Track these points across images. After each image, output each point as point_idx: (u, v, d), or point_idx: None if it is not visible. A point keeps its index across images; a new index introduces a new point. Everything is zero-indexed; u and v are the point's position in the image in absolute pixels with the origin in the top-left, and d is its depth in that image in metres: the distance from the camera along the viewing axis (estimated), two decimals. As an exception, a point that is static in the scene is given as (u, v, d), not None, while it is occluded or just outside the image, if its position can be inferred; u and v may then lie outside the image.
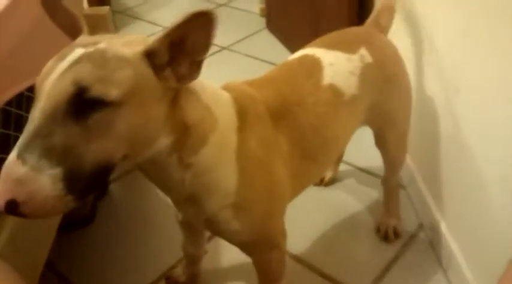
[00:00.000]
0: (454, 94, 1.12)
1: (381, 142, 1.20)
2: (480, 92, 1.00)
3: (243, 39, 2.51)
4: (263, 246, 0.92)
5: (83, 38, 0.67)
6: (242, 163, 0.79)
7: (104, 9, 1.47)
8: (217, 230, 0.88)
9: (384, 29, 1.14)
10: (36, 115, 0.57)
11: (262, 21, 2.64)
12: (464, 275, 1.10)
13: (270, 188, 0.85)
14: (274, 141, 0.85)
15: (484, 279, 1.04)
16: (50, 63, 0.61)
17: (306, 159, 0.92)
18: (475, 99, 1.03)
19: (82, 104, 0.57)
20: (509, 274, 0.74)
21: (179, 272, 1.24)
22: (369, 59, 1.02)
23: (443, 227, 1.23)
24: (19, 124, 0.93)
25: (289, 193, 0.92)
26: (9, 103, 0.94)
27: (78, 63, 0.59)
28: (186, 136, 0.70)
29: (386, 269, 1.25)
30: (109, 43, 0.62)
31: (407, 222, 1.37)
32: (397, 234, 1.33)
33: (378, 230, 1.35)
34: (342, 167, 1.58)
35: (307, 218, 1.40)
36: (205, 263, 1.26)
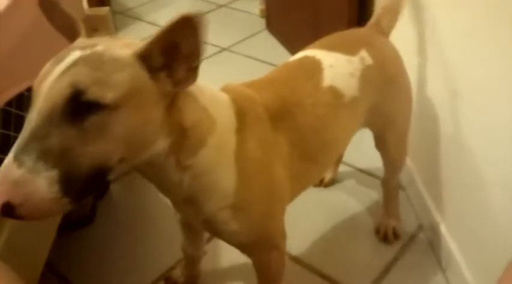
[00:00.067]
0: (454, 95, 1.12)
1: (381, 144, 1.20)
2: (481, 93, 1.00)
3: (243, 40, 2.51)
4: (262, 247, 0.92)
5: (81, 40, 0.67)
6: (241, 165, 0.79)
7: (104, 10, 1.47)
8: (216, 231, 0.88)
9: (385, 31, 1.14)
10: (33, 118, 0.58)
11: (262, 23, 2.64)
12: (464, 276, 1.10)
13: (269, 189, 0.85)
14: (273, 142, 0.85)
15: (484, 280, 1.04)
16: (47, 66, 0.61)
17: (305, 160, 0.92)
18: (475, 100, 1.03)
19: (78, 107, 0.57)
20: (508, 275, 0.74)
21: (178, 273, 1.24)
22: (369, 60, 1.02)
23: (443, 228, 1.23)
24: (19, 124, 0.93)
25: (288, 194, 0.92)
26: (9, 103, 0.94)
27: (75, 66, 0.59)
28: (184, 138, 0.70)
29: (386, 270, 1.25)
30: (106, 45, 0.63)
31: (407, 223, 1.37)
32: (396, 235, 1.33)
33: (377, 231, 1.35)
34: (342, 168, 1.58)
35: (307, 219, 1.40)
36: (205, 264, 1.26)
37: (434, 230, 1.27)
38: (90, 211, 1.46)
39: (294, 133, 0.89)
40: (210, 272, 1.27)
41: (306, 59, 1.01)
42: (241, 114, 0.80)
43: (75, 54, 0.60)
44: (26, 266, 0.96)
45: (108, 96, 0.58)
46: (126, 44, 0.64)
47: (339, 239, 1.36)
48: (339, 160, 1.55)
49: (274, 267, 0.98)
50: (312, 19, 2.03)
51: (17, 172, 0.55)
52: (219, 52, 2.40)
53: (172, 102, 0.67)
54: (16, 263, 0.78)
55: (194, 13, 0.58)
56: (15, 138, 0.58)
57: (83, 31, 0.69)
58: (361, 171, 1.60)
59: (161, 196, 0.83)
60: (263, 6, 2.64)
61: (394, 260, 1.28)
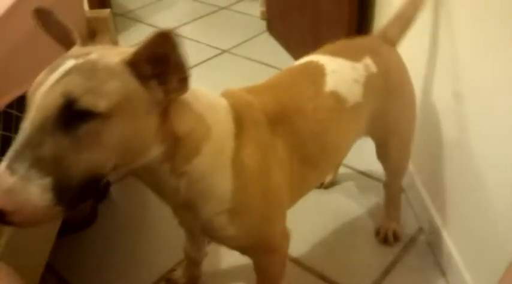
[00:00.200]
0: (456, 99, 1.12)
1: (382, 152, 1.20)
2: (483, 96, 1.00)
3: (244, 42, 2.52)
4: (261, 249, 0.92)
5: (76, 49, 0.68)
6: (238, 170, 0.79)
7: (105, 12, 1.47)
8: (214, 236, 0.88)
9: (392, 40, 1.14)
10: (26, 127, 0.58)
11: (262, 25, 2.65)
12: (464, 278, 1.10)
13: (266, 194, 0.85)
14: (271, 147, 0.85)
15: (484, 283, 1.04)
16: (41, 75, 0.62)
17: (305, 164, 0.92)
18: (477, 102, 1.03)
19: (71, 115, 0.58)
20: (509, 276, 0.74)
21: (179, 274, 1.24)
22: (373, 68, 1.02)
23: (443, 230, 1.23)
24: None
25: (287, 199, 0.92)
26: (10, 105, 0.94)
27: (68, 75, 0.59)
28: (177, 147, 0.70)
29: (386, 272, 1.25)
30: (100, 54, 0.63)
31: (407, 225, 1.37)
32: (396, 237, 1.33)
33: (377, 233, 1.35)
34: (342, 170, 1.59)
35: (307, 221, 1.40)
36: (206, 266, 1.26)
37: (434, 232, 1.27)
38: (90, 213, 1.46)
39: (293, 137, 0.89)
40: (210, 273, 1.27)
41: (309, 64, 1.01)
42: (240, 120, 0.80)
43: (68, 63, 0.61)
44: (27, 267, 0.97)
45: (100, 104, 0.58)
46: (120, 53, 0.64)
47: (339, 241, 1.36)
48: (339, 163, 1.55)
49: (273, 269, 0.98)
50: (313, 21, 2.03)
51: (10, 180, 0.55)
52: (220, 54, 2.40)
53: (166, 111, 0.67)
54: (17, 265, 0.78)
55: (166, 30, 0.58)
56: (16, 140, 0.59)
57: (78, 40, 0.69)
58: (361, 173, 1.60)
59: (161, 198, 0.83)
60: (264, 9, 2.65)
61: (394, 262, 1.28)
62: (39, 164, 0.56)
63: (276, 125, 0.86)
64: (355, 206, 1.47)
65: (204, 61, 2.34)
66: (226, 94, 0.85)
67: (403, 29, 1.16)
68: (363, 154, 1.45)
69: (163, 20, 2.82)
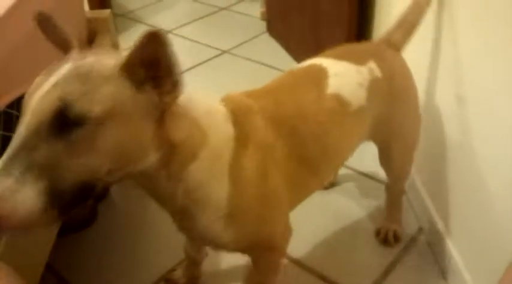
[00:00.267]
0: (458, 101, 1.12)
1: (386, 156, 1.20)
2: (485, 97, 1.00)
3: (244, 42, 2.52)
4: (261, 248, 0.92)
5: (73, 54, 0.68)
6: (235, 175, 0.78)
7: (105, 13, 1.47)
8: (213, 243, 0.88)
9: (397, 45, 1.14)
10: (21, 131, 0.58)
11: (262, 25, 2.65)
12: (464, 278, 1.10)
13: (264, 196, 0.84)
14: (270, 149, 0.85)
15: (484, 283, 1.04)
16: (38, 79, 0.62)
17: (306, 167, 0.92)
18: (479, 104, 1.03)
19: (66, 120, 0.58)
20: (509, 276, 0.75)
21: (179, 274, 1.24)
22: (378, 73, 1.02)
23: (443, 230, 1.23)
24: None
25: (287, 201, 0.92)
26: (11, 105, 0.94)
27: (64, 80, 0.59)
28: (173, 153, 0.70)
29: (386, 272, 1.25)
30: (96, 59, 0.63)
31: (407, 225, 1.37)
32: (396, 238, 1.33)
33: (377, 233, 1.35)
34: (342, 171, 1.58)
35: (307, 222, 1.40)
36: (206, 266, 1.26)
37: (434, 232, 1.27)
38: (90, 213, 1.46)
39: (294, 138, 0.89)
40: (210, 273, 1.27)
41: (312, 66, 1.01)
42: (239, 124, 0.80)
43: (65, 68, 0.61)
44: (27, 267, 0.97)
45: (95, 109, 0.58)
46: (116, 57, 0.64)
47: (339, 241, 1.36)
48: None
49: (268, 266, 0.98)
50: (313, 22, 2.03)
51: (4, 184, 0.55)
52: (220, 55, 2.40)
53: (161, 118, 0.67)
54: (17, 265, 0.78)
55: (153, 30, 0.58)
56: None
57: (76, 45, 0.70)
58: (362, 174, 1.60)
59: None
60: (264, 9, 2.65)
61: (394, 263, 1.28)
62: (34, 168, 0.56)
63: (276, 127, 0.86)
64: (355, 207, 1.47)
65: (204, 62, 2.34)
66: (226, 99, 0.85)
67: (407, 34, 1.16)
68: (364, 156, 1.45)
69: (164, 21, 2.82)
